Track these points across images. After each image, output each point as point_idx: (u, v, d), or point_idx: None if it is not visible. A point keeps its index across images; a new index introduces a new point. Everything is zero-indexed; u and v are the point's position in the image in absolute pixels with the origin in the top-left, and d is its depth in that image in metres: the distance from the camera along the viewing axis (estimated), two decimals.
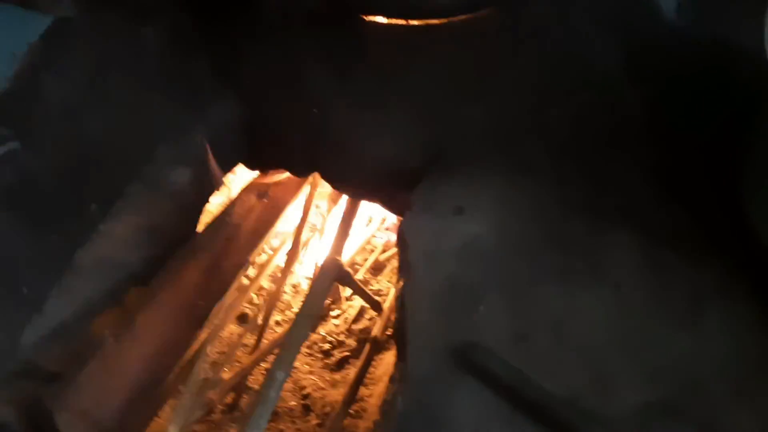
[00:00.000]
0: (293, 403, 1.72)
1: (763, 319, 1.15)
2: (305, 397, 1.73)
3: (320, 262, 1.57)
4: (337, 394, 1.69)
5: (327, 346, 1.92)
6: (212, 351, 1.74)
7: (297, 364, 1.83)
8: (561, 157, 1.40)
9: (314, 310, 1.43)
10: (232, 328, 1.98)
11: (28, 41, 1.46)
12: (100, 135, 1.46)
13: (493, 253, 1.27)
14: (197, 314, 1.54)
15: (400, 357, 1.23)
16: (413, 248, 1.29)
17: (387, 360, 1.70)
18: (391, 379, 1.25)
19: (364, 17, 1.52)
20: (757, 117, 1.25)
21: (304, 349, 1.90)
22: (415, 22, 1.49)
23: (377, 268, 2.17)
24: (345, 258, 1.80)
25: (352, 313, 2.00)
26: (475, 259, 1.26)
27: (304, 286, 2.17)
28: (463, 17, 1.48)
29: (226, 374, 1.67)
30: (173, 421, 1.45)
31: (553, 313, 1.18)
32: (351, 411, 1.50)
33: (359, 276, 2.07)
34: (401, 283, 1.27)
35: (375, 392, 1.57)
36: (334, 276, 1.51)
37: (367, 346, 1.59)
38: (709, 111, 1.36)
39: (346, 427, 1.43)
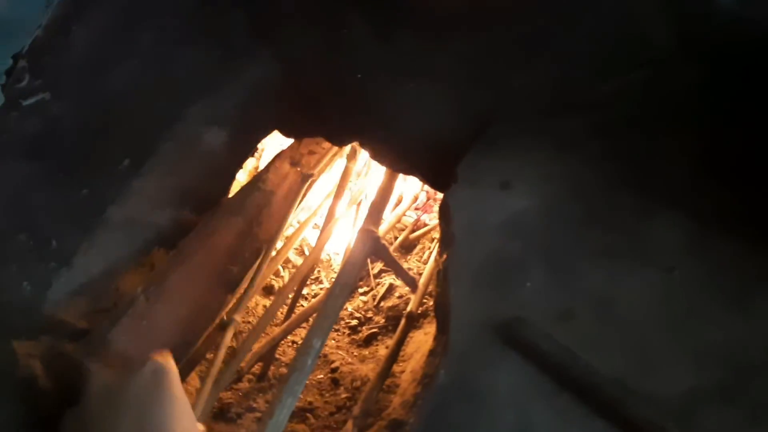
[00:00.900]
0: (321, 376, 1.70)
1: None
2: (334, 371, 1.71)
3: (356, 234, 1.54)
4: (366, 370, 1.67)
5: (354, 322, 1.90)
6: (240, 321, 1.72)
7: None
8: (609, 135, 1.36)
9: (350, 280, 1.40)
10: (259, 299, 1.97)
11: None
12: (130, 89, 1.44)
13: (539, 228, 1.24)
14: (229, 279, 1.52)
15: (442, 330, 1.19)
16: (457, 222, 1.26)
17: (417, 338, 1.68)
18: (432, 353, 1.22)
19: None
20: None
21: None
22: None
23: (407, 247, 2.14)
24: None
25: (381, 290, 1.98)
26: (520, 234, 1.23)
27: (335, 260, 2.15)
28: None
29: (255, 344, 1.66)
30: (202, 388, 1.44)
31: (599, 292, 1.15)
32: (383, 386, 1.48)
33: None
34: (444, 256, 1.24)
35: (406, 368, 1.54)
36: (370, 247, 1.48)
37: (403, 322, 1.56)
38: (762, 91, 1.32)
39: (379, 400, 1.40)
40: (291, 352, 1.80)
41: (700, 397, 1.02)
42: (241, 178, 1.80)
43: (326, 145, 1.79)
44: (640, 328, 1.11)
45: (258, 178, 1.66)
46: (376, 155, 1.59)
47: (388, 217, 2.15)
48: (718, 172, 1.28)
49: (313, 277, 2.06)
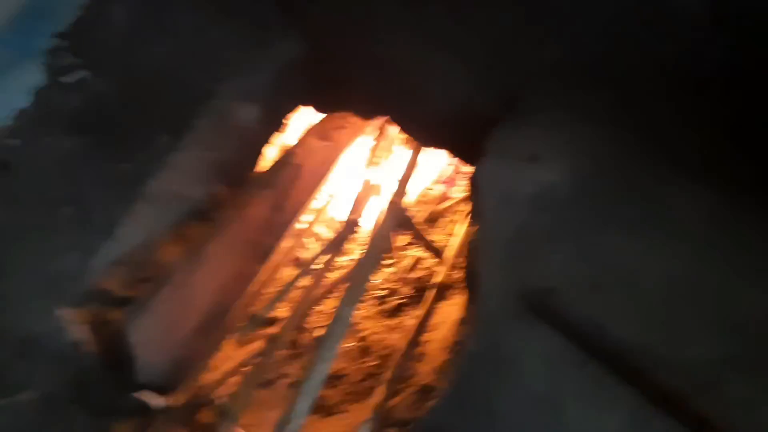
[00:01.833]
0: (351, 344, 1.75)
1: None
2: (362, 339, 1.76)
3: (383, 207, 1.57)
4: (395, 339, 1.71)
5: (382, 293, 1.93)
6: (270, 291, 1.76)
7: None
8: (636, 108, 1.36)
9: (378, 251, 1.43)
10: (288, 271, 2.00)
11: None
12: (167, 67, 1.47)
13: (568, 201, 1.25)
14: (261, 249, 1.56)
15: (471, 300, 1.23)
16: (487, 194, 1.27)
17: (443, 309, 1.71)
18: (462, 321, 1.25)
19: None
20: None
21: None
22: None
23: (432, 220, 2.16)
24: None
25: (407, 263, 2.01)
26: (549, 207, 1.24)
27: (363, 233, 2.18)
28: None
29: (285, 313, 1.70)
30: (234, 356, 1.48)
31: (627, 263, 1.17)
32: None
33: None
34: (474, 228, 1.26)
35: (434, 338, 1.58)
36: (396, 219, 1.51)
37: (432, 292, 1.58)
38: None
39: (409, 368, 1.44)
40: (317, 321, 1.83)
41: (725, 367, 1.04)
42: (271, 153, 1.82)
43: (355, 119, 1.81)
44: (666, 300, 1.13)
45: (288, 153, 1.69)
46: (404, 129, 1.61)
47: (414, 190, 2.17)
48: (746, 145, 1.28)
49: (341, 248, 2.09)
